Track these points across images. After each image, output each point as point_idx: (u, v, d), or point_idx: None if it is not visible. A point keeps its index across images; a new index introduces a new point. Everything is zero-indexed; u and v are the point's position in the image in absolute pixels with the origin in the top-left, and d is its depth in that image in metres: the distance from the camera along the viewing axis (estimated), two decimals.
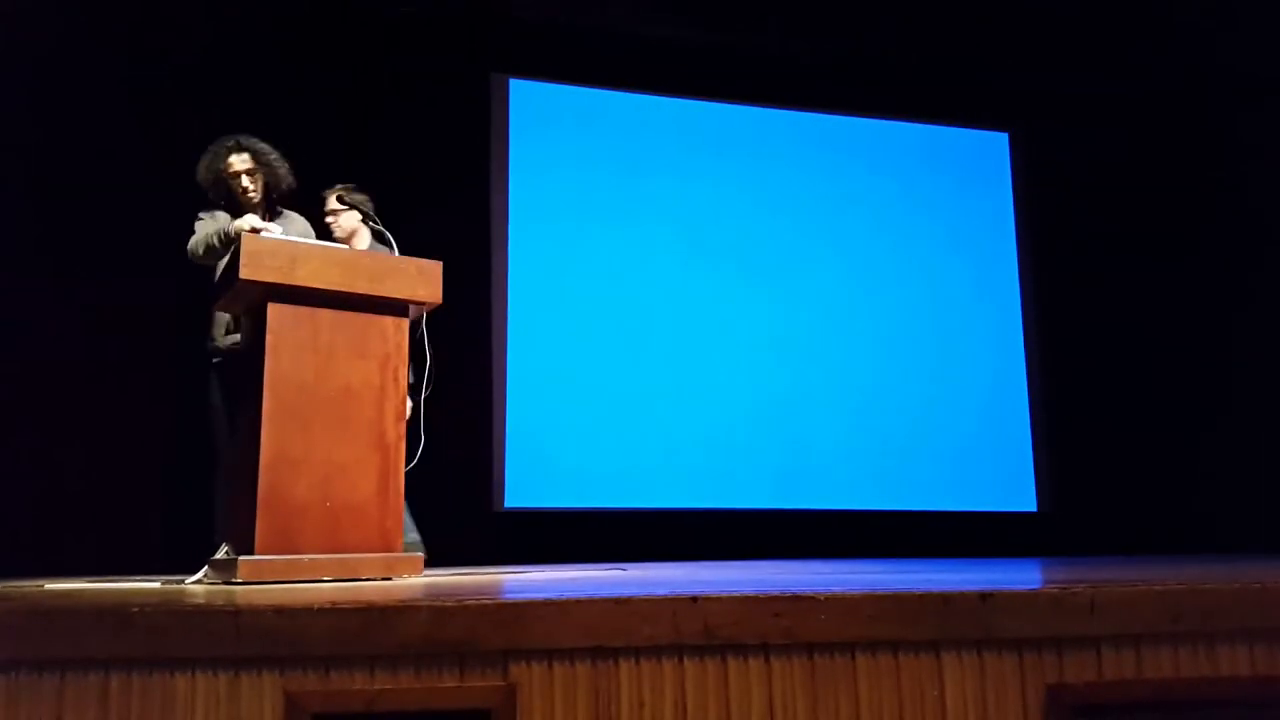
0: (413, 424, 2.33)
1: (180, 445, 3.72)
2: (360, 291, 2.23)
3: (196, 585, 2.18)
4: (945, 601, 1.30)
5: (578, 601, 1.26)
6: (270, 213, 2.83)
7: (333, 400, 2.16)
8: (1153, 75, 5.16)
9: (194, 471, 3.37)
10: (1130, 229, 5.21)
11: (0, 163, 3.72)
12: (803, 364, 4.77)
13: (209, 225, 2.75)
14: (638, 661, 1.25)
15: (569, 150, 4.65)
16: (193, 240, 2.75)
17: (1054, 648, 1.32)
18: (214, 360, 2.81)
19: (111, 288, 3.85)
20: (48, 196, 3.82)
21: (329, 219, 2.95)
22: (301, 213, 2.92)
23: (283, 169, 2.81)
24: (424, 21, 4.46)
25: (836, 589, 1.31)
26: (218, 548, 2.51)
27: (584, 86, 4.71)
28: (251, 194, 2.77)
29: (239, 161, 2.76)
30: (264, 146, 2.79)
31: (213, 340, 2.80)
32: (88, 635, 1.23)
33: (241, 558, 2.05)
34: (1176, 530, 4.80)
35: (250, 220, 2.65)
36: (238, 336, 2.72)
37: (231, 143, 2.76)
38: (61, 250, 3.79)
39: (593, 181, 4.65)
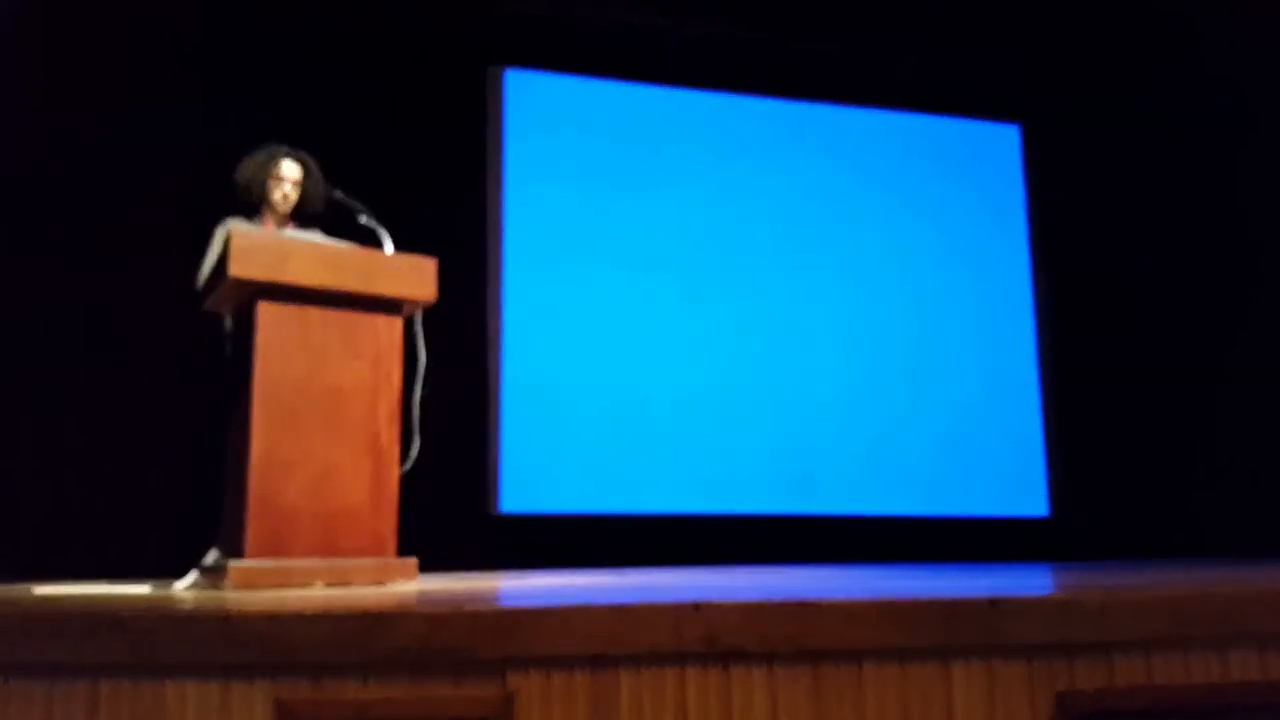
0: (406, 425, 2.30)
1: (181, 445, 3.70)
2: (352, 289, 2.21)
3: (187, 591, 2.16)
4: (953, 608, 1.28)
5: (577, 609, 1.24)
6: (293, 225, 2.83)
7: (324, 401, 2.13)
8: (1159, 73, 5.14)
9: (195, 471, 3.35)
10: (1143, 229, 5.18)
11: (0, 162, 3.71)
12: (808, 365, 4.73)
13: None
14: (638, 670, 1.23)
15: (565, 143, 4.61)
16: (206, 268, 2.71)
17: (1064, 654, 1.31)
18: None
19: (111, 288, 3.83)
20: (47, 196, 3.80)
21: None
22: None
23: (319, 191, 2.82)
24: (419, 15, 4.43)
25: (842, 596, 1.29)
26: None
27: (581, 77, 4.67)
28: (288, 204, 2.78)
29: (291, 170, 2.78)
30: (314, 164, 2.82)
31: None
32: (77, 641, 1.23)
33: (232, 562, 2.03)
34: (1188, 535, 4.76)
35: None
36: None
37: (287, 150, 2.79)
38: (61, 250, 3.78)
39: (591, 175, 4.61)
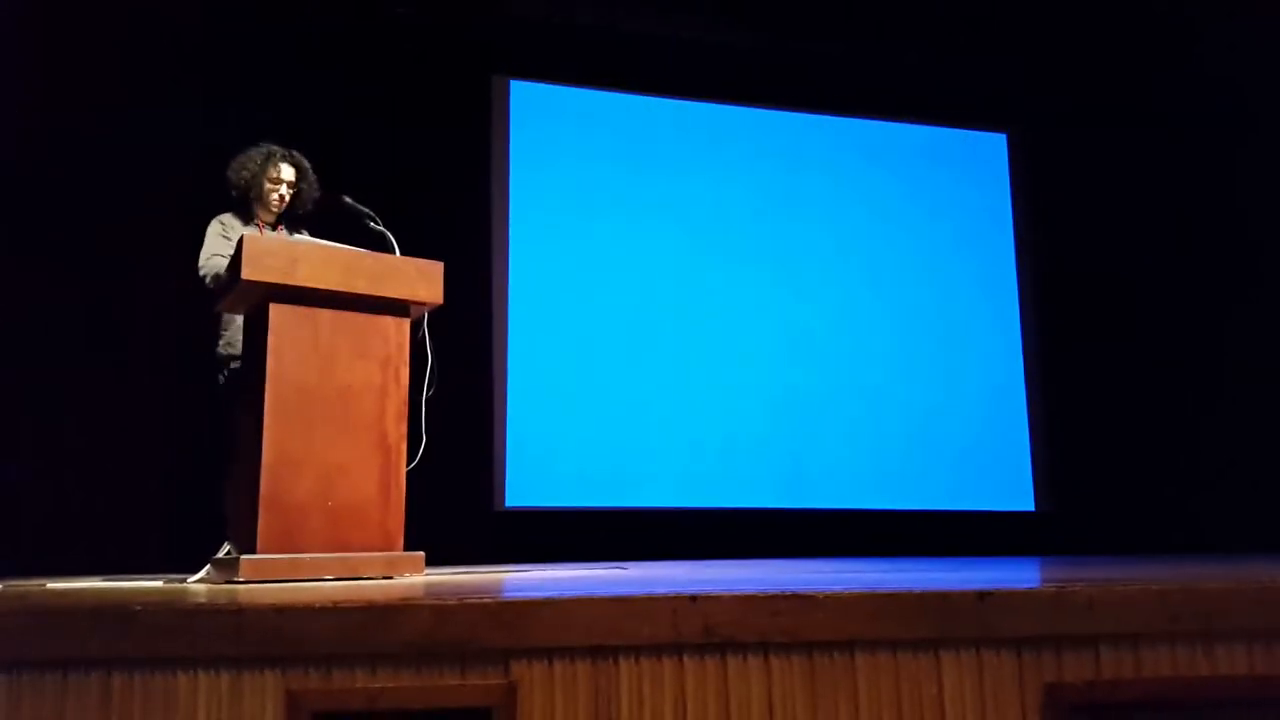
0: (414, 424, 2.33)
1: (181, 445, 3.71)
2: (361, 292, 2.24)
3: (198, 584, 2.18)
4: (944, 600, 1.31)
5: (578, 600, 1.26)
6: (283, 226, 2.85)
7: (334, 400, 2.16)
8: (1151, 76, 5.17)
9: (195, 471, 3.37)
10: (1129, 230, 5.21)
11: (0, 162, 3.73)
12: (802, 364, 4.77)
13: (222, 246, 2.72)
14: (638, 660, 1.26)
15: (570, 151, 4.65)
16: (208, 262, 2.73)
17: (1052, 647, 1.33)
18: (232, 366, 2.79)
19: (112, 287, 3.84)
20: (47, 195, 3.81)
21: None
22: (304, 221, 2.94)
23: (313, 192, 2.85)
24: (425, 22, 4.45)
25: (836, 588, 1.32)
26: (231, 551, 2.51)
27: (584, 88, 4.71)
28: (283, 205, 2.81)
29: (288, 173, 2.79)
30: (308, 165, 2.84)
31: (228, 346, 2.79)
32: (90, 635, 1.24)
33: (243, 557, 2.06)
34: (1174, 530, 4.80)
35: None
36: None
37: (283, 152, 2.80)
38: (61, 249, 3.79)
39: (593, 182, 4.65)
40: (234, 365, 2.77)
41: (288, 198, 2.81)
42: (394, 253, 2.47)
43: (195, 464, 3.34)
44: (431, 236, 2.81)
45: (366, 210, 2.62)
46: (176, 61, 4.04)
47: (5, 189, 3.72)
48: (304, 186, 2.83)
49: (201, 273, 2.75)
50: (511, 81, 4.61)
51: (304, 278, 2.15)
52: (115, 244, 3.83)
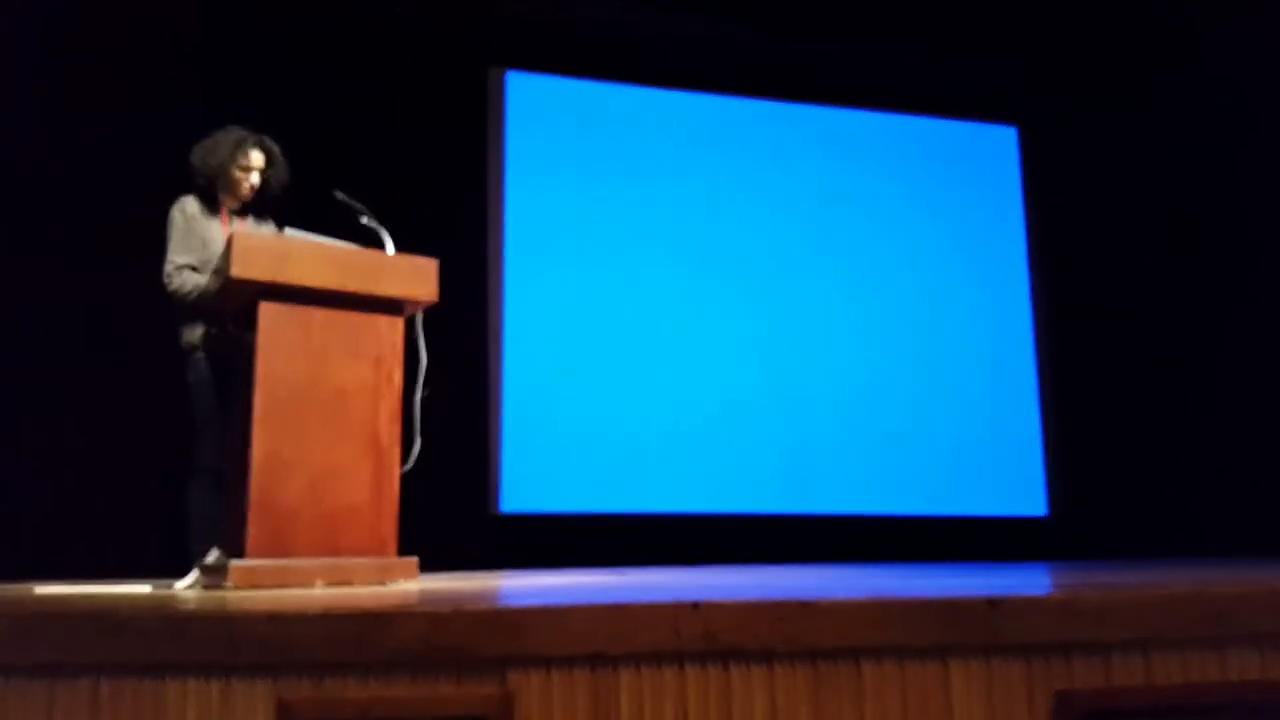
0: (407, 425, 2.30)
1: (182, 445, 3.68)
2: (354, 290, 2.21)
3: (188, 590, 2.16)
4: (952, 607, 1.28)
5: (577, 608, 1.24)
6: (251, 216, 2.80)
7: (326, 401, 2.14)
8: (1151, 76, 5.15)
9: (191, 475, 3.35)
10: (1143, 229, 5.19)
11: (0, 162, 3.72)
12: (807, 365, 4.74)
13: (187, 252, 2.63)
14: (638, 669, 1.23)
15: (566, 145, 4.62)
16: (178, 275, 2.62)
17: (1062, 653, 1.31)
18: (196, 357, 2.70)
19: (112, 287, 3.83)
20: (47, 195, 3.80)
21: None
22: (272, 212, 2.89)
23: (282, 178, 2.76)
24: (424, 20, 4.44)
25: (841, 594, 1.30)
26: (194, 553, 2.47)
27: (581, 79, 4.68)
28: (251, 194, 2.73)
29: (258, 159, 2.70)
30: (278, 150, 2.76)
31: (193, 338, 2.71)
32: (78, 640, 1.23)
33: (233, 562, 2.03)
34: (1186, 535, 4.77)
35: None
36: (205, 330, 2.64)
37: (254, 138, 2.70)
38: (60, 249, 3.78)
39: (591, 177, 4.62)
40: (197, 356, 2.68)
41: (258, 185, 2.73)
42: (387, 249, 2.44)
43: (190, 466, 3.33)
44: (427, 234, 2.78)
45: (359, 205, 2.59)
46: (176, 61, 4.03)
47: (5, 189, 3.71)
48: (273, 172, 2.73)
49: (172, 286, 2.61)
50: (508, 74, 4.58)
51: (295, 275, 2.12)
52: (115, 244, 3.81)
